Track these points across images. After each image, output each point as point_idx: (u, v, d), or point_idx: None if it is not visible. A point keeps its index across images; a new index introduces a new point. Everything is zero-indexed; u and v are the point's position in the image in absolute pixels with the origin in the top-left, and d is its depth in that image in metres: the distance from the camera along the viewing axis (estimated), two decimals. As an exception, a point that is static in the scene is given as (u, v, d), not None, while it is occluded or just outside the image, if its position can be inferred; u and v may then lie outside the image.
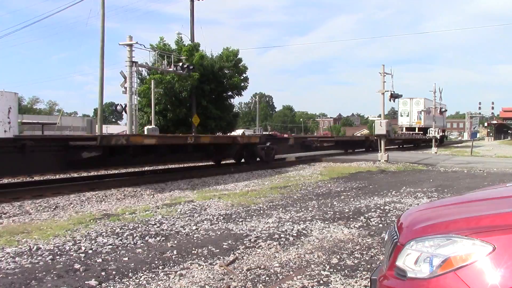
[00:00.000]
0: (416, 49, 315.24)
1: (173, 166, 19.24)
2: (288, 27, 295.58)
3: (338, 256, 5.91)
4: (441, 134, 50.42)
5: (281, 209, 9.50)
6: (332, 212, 9.10)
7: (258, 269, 5.35)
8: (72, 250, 6.07)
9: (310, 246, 6.45)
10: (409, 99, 48.22)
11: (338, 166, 20.78)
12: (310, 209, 9.52)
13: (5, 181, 13.72)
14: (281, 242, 6.62)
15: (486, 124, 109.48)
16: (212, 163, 20.42)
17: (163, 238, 6.85)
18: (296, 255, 5.95)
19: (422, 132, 46.43)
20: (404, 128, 48.82)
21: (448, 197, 6.65)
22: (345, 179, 15.53)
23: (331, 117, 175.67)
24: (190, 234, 7.16)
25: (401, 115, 49.76)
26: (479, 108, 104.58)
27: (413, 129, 48.29)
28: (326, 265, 5.54)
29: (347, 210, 9.36)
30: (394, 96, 24.76)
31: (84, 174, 15.95)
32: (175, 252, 6.04)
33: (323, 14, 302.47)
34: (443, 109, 53.49)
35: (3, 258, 5.64)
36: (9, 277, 4.95)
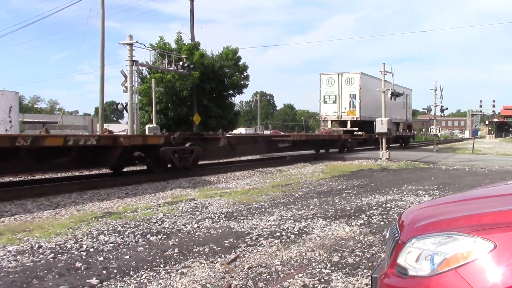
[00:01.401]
0: (416, 48, 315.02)
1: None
2: (287, 26, 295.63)
3: (340, 254, 5.91)
4: (401, 132, 39.10)
5: (282, 207, 9.50)
6: (333, 210, 9.10)
7: (259, 267, 5.35)
8: (73, 249, 6.08)
9: (312, 244, 6.45)
10: (337, 74, 32.20)
11: (340, 164, 20.77)
12: (311, 207, 9.52)
13: (7, 179, 13.74)
14: (283, 240, 6.62)
15: (487, 122, 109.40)
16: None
17: (165, 236, 6.86)
18: (297, 253, 5.95)
19: (357, 129, 31.83)
20: (329, 122, 33.00)
21: (449, 194, 6.64)
22: (347, 177, 15.52)
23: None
24: (192, 232, 7.16)
25: (325, 101, 32.60)
26: (480, 106, 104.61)
27: (344, 123, 32.46)
28: (327, 263, 5.54)
29: (348, 208, 9.35)
30: (395, 95, 24.88)
31: (86, 172, 15.96)
32: (176, 250, 6.04)
33: (322, 13, 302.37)
34: (402, 93, 33.50)
35: (4, 257, 5.65)
36: (11, 276, 4.95)
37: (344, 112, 32.04)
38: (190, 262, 5.51)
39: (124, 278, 4.94)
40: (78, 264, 5.37)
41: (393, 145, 37.90)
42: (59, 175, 15.08)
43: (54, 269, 5.20)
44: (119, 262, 5.49)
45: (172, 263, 5.50)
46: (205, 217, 8.31)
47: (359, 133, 31.93)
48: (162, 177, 14.52)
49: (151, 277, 4.99)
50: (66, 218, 8.28)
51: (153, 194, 11.54)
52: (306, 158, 23.28)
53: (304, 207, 9.45)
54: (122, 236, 6.82)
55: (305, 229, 7.37)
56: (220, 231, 7.26)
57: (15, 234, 6.91)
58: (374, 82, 32.40)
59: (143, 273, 5.11)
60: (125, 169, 16.07)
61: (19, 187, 11.70)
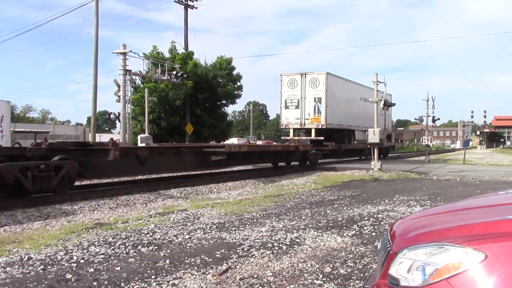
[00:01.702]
0: (409, 57, 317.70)
1: (166, 174, 19.16)
2: (282, 35, 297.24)
3: (331, 265, 5.89)
4: (380, 141, 26.53)
5: (274, 217, 9.47)
6: (325, 221, 9.09)
7: (251, 278, 5.32)
8: (63, 260, 6.02)
9: (303, 255, 6.43)
10: (300, 75, 27.90)
11: (332, 174, 20.80)
12: (303, 217, 9.51)
13: None
14: (274, 251, 6.60)
15: (478, 133, 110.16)
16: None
17: (156, 247, 6.81)
18: (289, 264, 5.93)
19: (323, 139, 27.30)
20: (291, 131, 28.99)
21: (441, 205, 6.65)
22: (339, 188, 15.53)
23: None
24: (183, 243, 7.12)
25: (286, 106, 28.43)
26: (472, 116, 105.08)
27: (308, 132, 28.58)
28: (319, 274, 5.53)
29: (340, 219, 9.35)
30: (387, 105, 25.04)
31: (78, 182, 15.84)
32: (167, 261, 6.00)
33: (316, 23, 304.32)
34: (382, 100, 27.51)
35: (-7, 268, 5.59)
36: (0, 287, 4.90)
37: (308, 119, 27.70)
38: (182, 274, 5.48)
39: (114, 290, 4.89)
40: (69, 276, 5.31)
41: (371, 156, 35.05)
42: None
43: (44, 280, 5.15)
44: (110, 274, 5.44)
45: (164, 274, 5.46)
46: (197, 228, 8.27)
47: (326, 143, 27.39)
48: (154, 188, 14.44)
49: (142, 289, 4.95)
50: (57, 229, 8.21)
51: (144, 205, 11.48)
52: (297, 169, 23.29)
53: (296, 218, 9.43)
54: (113, 247, 6.76)
55: (297, 240, 7.35)
56: (212, 242, 7.23)
57: (4, 246, 6.84)
58: (343, 84, 29.86)
59: (134, 284, 5.07)
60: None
61: (10, 199, 11.59)
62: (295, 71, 29.53)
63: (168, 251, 6.60)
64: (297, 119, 28.01)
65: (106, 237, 7.42)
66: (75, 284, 5.07)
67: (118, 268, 5.68)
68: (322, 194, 13.79)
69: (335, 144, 27.99)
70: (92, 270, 5.59)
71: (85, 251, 6.49)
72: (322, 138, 27.32)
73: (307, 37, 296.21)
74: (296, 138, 28.06)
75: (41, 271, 5.54)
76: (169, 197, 12.94)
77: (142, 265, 5.85)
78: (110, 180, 16.73)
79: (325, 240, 7.36)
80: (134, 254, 6.42)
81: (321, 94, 27.27)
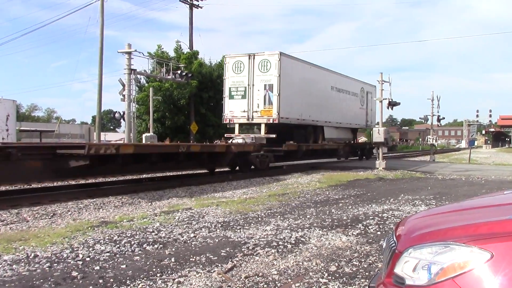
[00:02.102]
0: (413, 57, 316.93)
1: (171, 173, 19.20)
2: (286, 34, 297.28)
3: (337, 264, 5.90)
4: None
5: (279, 216, 9.49)
6: (330, 220, 9.09)
7: (256, 276, 5.34)
8: (69, 258, 6.05)
9: (308, 253, 6.44)
10: (247, 56, 22.25)
11: (337, 173, 20.78)
12: (308, 216, 9.51)
13: (3, 188, 13.68)
14: (279, 250, 6.61)
15: (484, 132, 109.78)
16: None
17: (161, 245, 6.84)
18: (294, 262, 5.94)
19: (275, 136, 21.93)
20: (237, 127, 22.80)
21: (446, 204, 6.64)
22: (343, 187, 15.52)
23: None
24: (188, 241, 7.14)
25: (231, 95, 22.77)
26: (477, 116, 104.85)
27: (258, 128, 22.71)
28: (324, 272, 5.53)
29: (345, 218, 9.35)
30: (392, 104, 24.86)
31: (82, 181, 15.90)
32: (173, 259, 6.02)
33: (321, 22, 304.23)
34: (365, 92, 30.53)
35: (0, 266, 5.62)
36: (7, 285, 4.93)
37: (256, 112, 21.86)
38: (187, 271, 5.50)
39: (120, 287, 4.92)
40: (74, 274, 5.34)
41: (346, 159, 30.48)
42: (55, 184, 15.02)
43: (50, 278, 5.18)
44: (115, 272, 5.46)
45: (169, 272, 5.48)
46: (202, 227, 8.29)
47: (291, 143, 22.49)
48: (158, 186, 14.47)
49: (147, 286, 4.97)
50: (62, 227, 8.24)
51: (149, 203, 11.51)
52: (302, 168, 23.28)
53: (301, 217, 9.44)
54: (118, 245, 6.79)
55: (301, 239, 7.36)
56: (217, 240, 7.24)
57: (10, 243, 6.87)
58: (305, 69, 23.77)
59: (139, 282, 5.09)
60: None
61: (16, 196, 11.65)
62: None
63: (173, 249, 6.62)
64: (244, 111, 22.14)
65: (112, 235, 7.45)
66: (81, 281, 5.10)
67: (124, 266, 5.70)
68: (327, 193, 13.79)
69: (294, 144, 22.71)
70: (97, 268, 5.62)
71: (90, 249, 6.52)
72: (274, 136, 21.89)
73: (311, 37, 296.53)
74: (241, 135, 22.23)
75: (47, 268, 5.57)
76: (174, 195, 12.96)
77: (148, 263, 5.87)
78: (115, 179, 16.78)
79: (330, 239, 7.36)
80: (140, 252, 6.44)
81: (273, 80, 21.48)
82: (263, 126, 22.02)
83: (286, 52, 29.47)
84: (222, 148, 18.23)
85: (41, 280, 5.10)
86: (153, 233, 7.67)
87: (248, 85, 22.05)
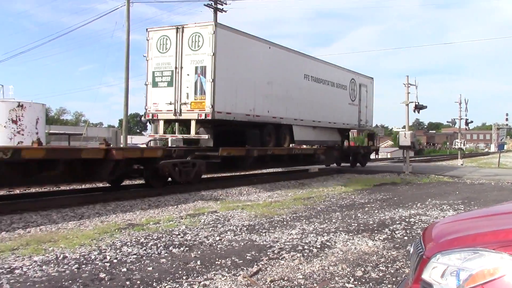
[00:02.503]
0: (440, 59, 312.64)
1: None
2: (311, 38, 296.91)
3: (363, 269, 5.85)
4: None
5: (304, 220, 9.46)
6: (356, 224, 9.03)
7: (281, 280, 5.33)
8: (97, 259, 6.14)
9: (334, 258, 6.41)
10: (175, 30, 16.39)
11: (362, 177, 20.62)
12: (333, 220, 9.46)
13: (33, 190, 13.96)
14: (305, 254, 6.60)
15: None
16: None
17: (187, 248, 6.89)
18: (319, 267, 5.92)
19: (207, 137, 17.78)
20: (161, 124, 17.19)
21: (475, 209, 6.54)
22: (369, 191, 15.39)
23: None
24: (214, 244, 7.18)
25: (154, 83, 16.78)
26: (506, 119, 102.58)
27: (186, 125, 18.10)
28: (350, 277, 5.50)
29: (371, 222, 9.27)
30: (419, 107, 24.52)
31: (108, 184, 16.10)
32: (198, 262, 6.06)
33: (346, 25, 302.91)
34: (361, 85, 26.06)
35: (30, 267, 5.74)
36: (36, 285, 5.03)
37: (185, 104, 16.11)
38: (212, 275, 5.52)
39: (147, 290, 4.97)
40: (102, 275, 5.42)
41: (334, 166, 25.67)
42: (83, 186, 15.27)
43: (78, 279, 5.26)
44: (142, 274, 5.53)
45: (195, 275, 5.52)
46: (227, 230, 8.32)
47: (232, 148, 16.98)
48: (184, 189, 14.58)
49: (173, 289, 5.01)
50: (90, 229, 8.37)
51: (175, 206, 11.60)
52: (328, 171, 23.16)
53: (326, 221, 9.39)
54: (145, 247, 6.87)
55: (327, 243, 7.33)
56: (242, 244, 7.26)
57: (40, 245, 7.02)
58: (255, 47, 17.92)
59: (165, 284, 5.14)
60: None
61: (45, 198, 11.86)
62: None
63: (199, 252, 6.66)
64: (170, 103, 16.38)
65: (138, 238, 7.54)
66: (108, 283, 5.17)
67: (150, 268, 5.76)
68: (353, 197, 13.70)
69: (239, 148, 17.14)
70: (125, 269, 5.69)
71: (118, 251, 6.61)
72: (207, 136, 17.61)
73: (337, 40, 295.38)
74: (166, 135, 18.72)
75: (75, 269, 5.67)
76: (199, 198, 13.03)
77: (174, 265, 5.92)
78: (141, 182, 16.95)
79: (356, 244, 7.31)
80: (166, 254, 6.50)
81: (206, 60, 15.74)
82: (193, 124, 16.24)
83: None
84: (96, 153, 12.27)
85: (70, 281, 5.19)
86: (179, 236, 7.73)
87: (176, 67, 16.25)
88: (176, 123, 18.50)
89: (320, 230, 8.36)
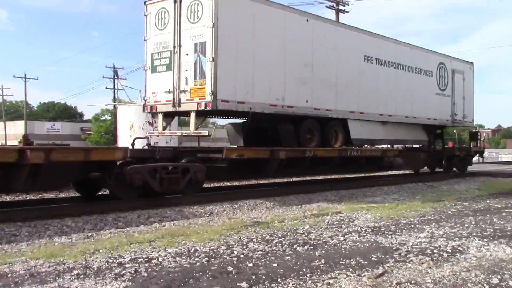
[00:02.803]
0: None
1: (320, 177, 19.32)
2: (439, 35, 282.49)
3: (499, 277, 5.45)
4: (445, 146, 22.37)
5: (433, 224, 9.03)
6: (491, 230, 8.42)
7: (408, 283, 5.15)
8: (225, 254, 6.41)
9: (467, 263, 6.04)
10: (172, 1, 12.97)
11: (499, 181, 19.18)
12: (466, 225, 8.91)
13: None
14: (434, 258, 6.29)
15: None
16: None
17: (311, 247, 6.92)
18: (450, 272, 5.61)
19: (207, 134, 14.50)
20: (160, 118, 13.93)
21: None
22: (507, 195, 14.25)
23: (489, 128, 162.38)
24: (338, 244, 7.13)
25: (153, 68, 13.56)
26: None
27: (184, 115, 14.76)
28: (485, 284, 5.15)
29: (509, 228, 8.59)
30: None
31: (236, 183, 16.72)
32: (322, 261, 6.06)
33: (477, 20, 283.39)
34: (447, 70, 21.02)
35: (165, 257, 6.15)
36: (170, 275, 5.37)
37: (185, 92, 12.93)
38: (337, 274, 5.49)
39: (272, 284, 5.07)
40: (230, 269, 5.64)
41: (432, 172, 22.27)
42: (212, 184, 15.99)
43: (208, 271, 5.53)
44: (267, 269, 5.66)
45: (319, 273, 5.53)
46: (351, 231, 8.21)
47: (239, 148, 14.88)
48: (308, 190, 14.64)
49: (297, 285, 5.06)
50: (219, 226, 8.76)
51: (299, 206, 11.71)
52: (458, 174, 21.86)
53: (458, 225, 8.88)
54: (270, 244, 7.02)
55: (459, 248, 6.92)
56: (367, 245, 7.13)
57: (174, 238, 7.49)
58: (271, 15, 13.87)
59: (290, 281, 5.20)
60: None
61: (178, 195, 12.59)
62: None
63: (323, 251, 6.66)
64: (169, 92, 13.24)
65: (264, 235, 7.73)
66: (235, 276, 5.37)
67: (275, 265, 5.88)
68: (488, 201, 12.78)
69: (261, 148, 13.67)
70: (251, 264, 5.87)
71: (244, 247, 6.83)
72: (206, 133, 14.47)
73: (467, 35, 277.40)
74: (166, 132, 14.85)
75: (205, 262, 5.96)
76: (323, 199, 13.02)
77: (298, 263, 5.98)
78: (266, 181, 17.37)
79: (491, 250, 6.82)
80: (290, 252, 6.59)
81: (206, 34, 12.42)
82: (192, 116, 13.01)
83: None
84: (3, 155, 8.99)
85: (200, 273, 5.47)
86: (303, 235, 7.79)
87: (174, 46, 13.15)
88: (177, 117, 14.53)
89: (451, 235, 7.92)
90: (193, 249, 6.63)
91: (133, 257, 6.16)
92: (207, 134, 14.26)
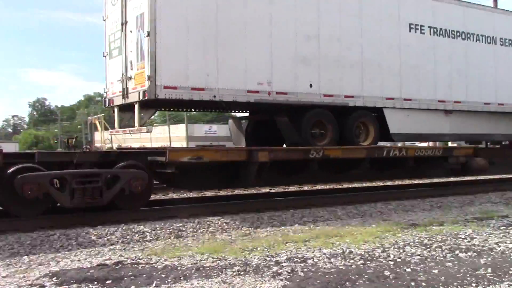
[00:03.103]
0: None
1: (482, 177, 17.90)
2: None
3: None
4: None
5: None
6: None
7: None
8: (381, 257, 6.26)
9: None
10: None
11: None
12: None
13: (319, 187, 15.05)
14: None
15: None
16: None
17: (475, 253, 6.46)
18: None
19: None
20: (116, 112, 11.89)
21: None
22: None
23: None
24: (506, 252, 6.55)
25: (110, 53, 11.85)
26: None
27: (131, 110, 11.11)
28: None
29: None
30: None
31: (389, 183, 16.24)
32: (489, 270, 5.62)
33: None
34: None
35: (320, 258, 6.20)
36: (326, 276, 5.40)
37: (131, 79, 10.85)
38: (507, 285, 5.05)
39: (433, 293, 4.84)
40: (387, 273, 5.50)
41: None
42: (364, 184, 15.74)
43: (364, 274, 5.45)
44: (427, 276, 5.40)
45: (485, 283, 5.13)
46: (523, 237, 7.50)
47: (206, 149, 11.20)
48: (469, 190, 13.67)
49: (462, 296, 4.76)
50: (373, 227, 8.58)
51: (459, 208, 11.01)
52: None
53: None
54: (428, 249, 6.70)
55: None
56: (542, 254, 6.45)
57: (328, 238, 7.51)
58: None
59: (453, 290, 4.92)
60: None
61: (330, 195, 12.64)
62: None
63: (489, 259, 6.17)
64: (120, 81, 11.30)
65: (421, 239, 7.40)
66: (393, 281, 5.21)
67: (435, 271, 5.59)
68: None
69: (224, 150, 11.60)
70: (409, 270, 5.65)
71: (401, 251, 6.61)
72: (145, 130, 10.96)
73: None
74: (120, 132, 12.28)
75: (361, 265, 5.88)
76: (486, 201, 12.08)
77: (461, 271, 5.62)
78: (421, 181, 16.63)
79: None
80: (452, 258, 6.22)
81: (143, 2, 10.16)
82: (136, 109, 10.65)
83: None
84: None
85: (356, 276, 5.41)
86: (465, 240, 7.31)
87: (122, 24, 11.18)
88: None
89: None
90: (347, 251, 6.59)
91: (289, 256, 6.31)
92: (145, 131, 11.02)
